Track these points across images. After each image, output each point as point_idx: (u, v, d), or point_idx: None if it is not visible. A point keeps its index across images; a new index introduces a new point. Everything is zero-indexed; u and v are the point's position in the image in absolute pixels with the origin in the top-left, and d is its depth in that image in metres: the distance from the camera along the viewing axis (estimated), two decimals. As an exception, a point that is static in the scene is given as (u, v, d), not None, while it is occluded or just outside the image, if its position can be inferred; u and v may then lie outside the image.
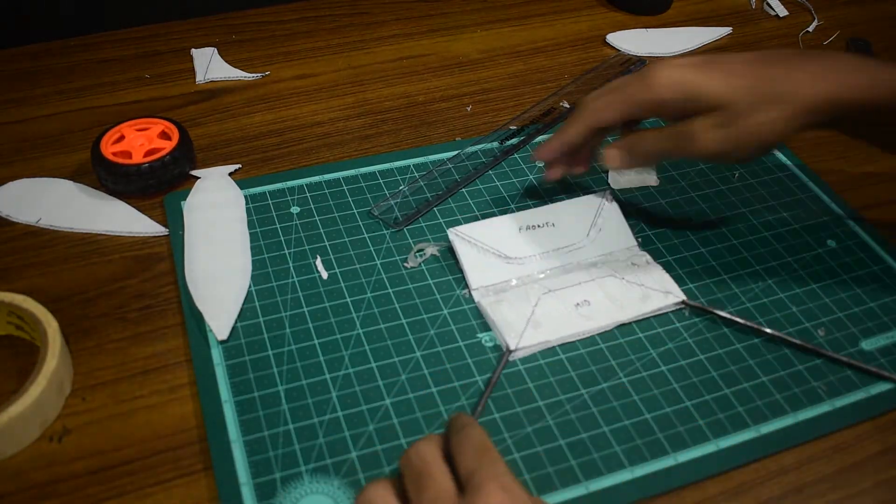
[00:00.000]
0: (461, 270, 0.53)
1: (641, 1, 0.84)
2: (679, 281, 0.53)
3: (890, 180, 0.64)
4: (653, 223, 0.58)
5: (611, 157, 0.52)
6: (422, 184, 0.60)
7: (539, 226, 0.55)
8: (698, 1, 0.88)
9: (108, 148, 0.59)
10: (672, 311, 0.52)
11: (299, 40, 0.78)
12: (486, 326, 0.50)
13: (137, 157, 0.58)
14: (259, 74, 0.73)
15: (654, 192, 0.61)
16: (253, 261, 0.54)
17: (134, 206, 0.58)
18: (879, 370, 0.48)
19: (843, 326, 0.52)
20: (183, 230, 0.55)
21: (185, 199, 0.58)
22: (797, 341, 0.50)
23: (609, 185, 0.61)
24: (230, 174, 0.61)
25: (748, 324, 0.50)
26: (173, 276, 0.53)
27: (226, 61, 0.74)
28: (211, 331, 0.49)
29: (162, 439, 0.44)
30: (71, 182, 0.60)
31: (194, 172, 0.60)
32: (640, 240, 0.56)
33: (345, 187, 0.60)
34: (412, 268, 0.54)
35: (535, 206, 0.59)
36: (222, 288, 0.51)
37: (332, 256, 0.55)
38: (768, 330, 0.50)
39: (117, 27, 0.77)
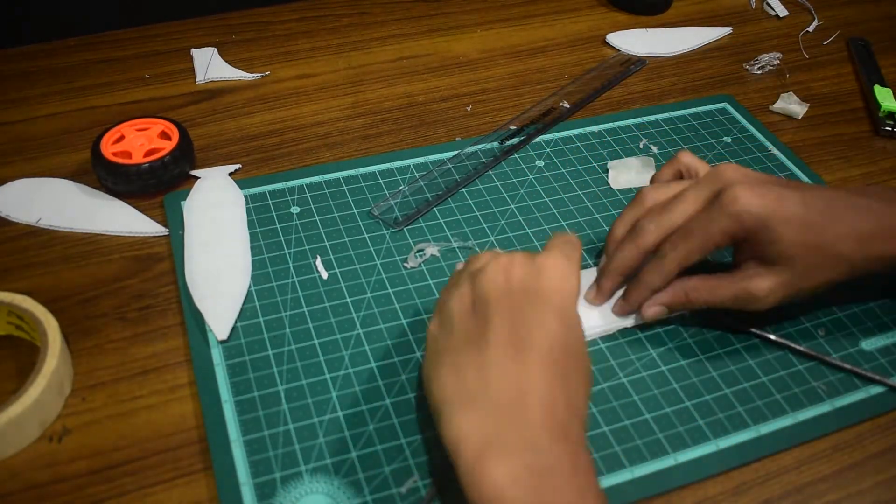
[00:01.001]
0: None
1: (641, 1, 0.84)
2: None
3: (890, 181, 0.64)
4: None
5: (654, 314, 0.49)
6: (422, 184, 0.60)
7: None
8: (698, 1, 0.88)
9: (108, 148, 0.59)
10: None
11: (299, 40, 0.78)
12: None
13: (137, 157, 0.58)
14: (259, 74, 0.73)
15: (654, 192, 0.61)
16: (253, 261, 0.54)
17: (134, 206, 0.58)
18: (872, 374, 0.48)
19: (843, 326, 0.52)
20: (183, 230, 0.55)
21: (185, 199, 0.58)
22: (801, 348, 0.50)
23: (609, 185, 0.61)
24: (230, 174, 0.61)
25: (752, 331, 0.50)
26: (173, 276, 0.53)
27: (226, 61, 0.74)
28: (211, 331, 0.49)
29: (162, 439, 0.44)
30: (71, 182, 0.60)
31: (194, 172, 0.60)
32: None
33: (345, 187, 0.60)
34: (412, 268, 0.54)
35: (536, 206, 0.59)
36: (222, 288, 0.51)
37: (332, 256, 0.55)
38: (772, 336, 0.50)
39: (117, 27, 0.77)
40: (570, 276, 0.41)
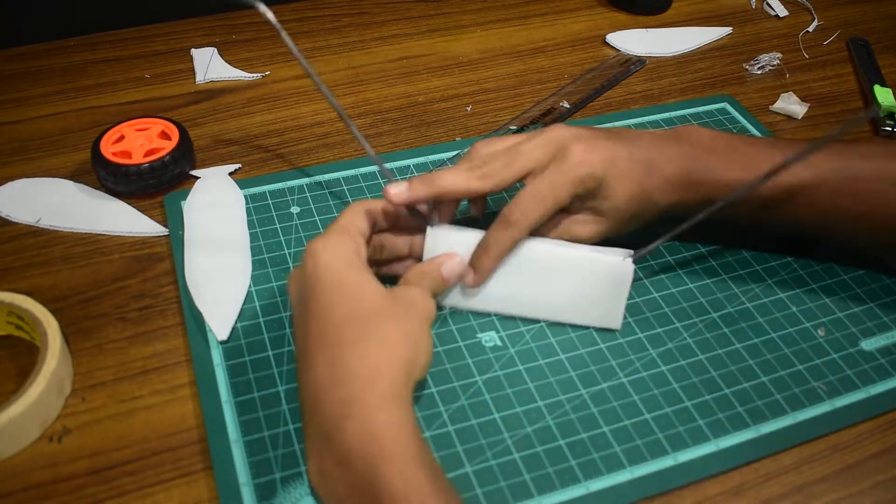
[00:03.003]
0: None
1: (641, 1, 0.84)
2: (679, 281, 0.54)
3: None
4: (652, 223, 0.58)
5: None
6: (422, 184, 0.60)
7: (529, 263, 0.49)
8: (698, 1, 0.88)
9: (108, 148, 0.59)
10: (672, 309, 0.52)
11: (299, 40, 0.78)
12: (486, 326, 0.50)
13: (137, 158, 0.58)
14: (259, 74, 0.73)
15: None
16: (253, 261, 0.54)
17: (134, 206, 0.58)
18: None
19: (843, 326, 0.52)
20: (183, 230, 0.55)
21: (185, 199, 0.58)
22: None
23: None
24: (230, 174, 0.61)
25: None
26: (173, 276, 0.53)
27: (226, 61, 0.74)
28: (211, 331, 0.49)
29: (162, 439, 0.44)
30: (71, 182, 0.60)
31: (194, 172, 0.60)
32: (626, 316, 0.51)
33: (345, 187, 0.60)
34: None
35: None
36: (222, 288, 0.51)
37: (332, 256, 0.54)
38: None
39: (117, 27, 0.77)
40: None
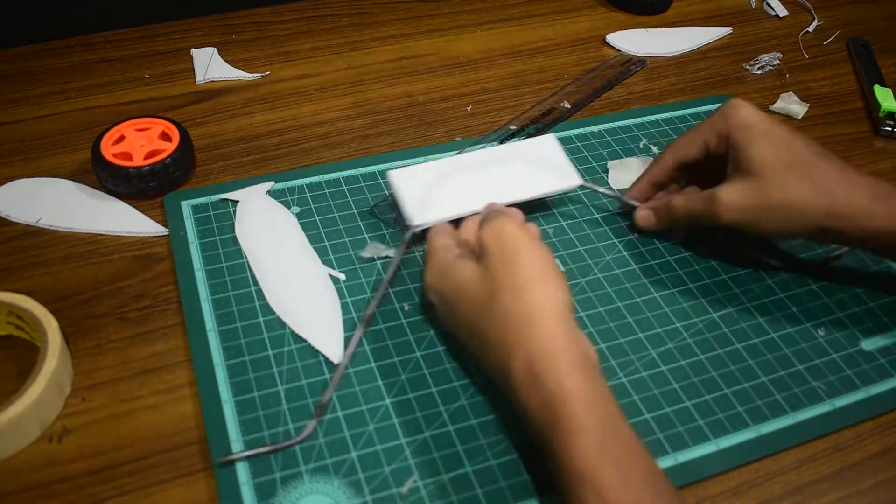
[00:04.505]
0: (399, 209, 0.54)
1: (641, 1, 0.84)
2: (679, 281, 0.54)
3: (890, 180, 0.64)
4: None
5: (643, 217, 0.56)
6: (422, 184, 0.60)
7: (481, 168, 0.56)
8: (698, 1, 0.88)
9: (109, 149, 0.58)
10: (671, 309, 0.52)
11: (299, 40, 0.78)
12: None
13: (138, 159, 0.58)
14: (259, 74, 0.73)
15: (654, 192, 0.61)
16: (253, 261, 0.54)
17: (134, 206, 0.58)
18: None
19: (843, 326, 0.52)
20: (184, 231, 0.55)
21: (185, 200, 0.58)
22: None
23: (609, 185, 0.61)
24: (267, 192, 0.59)
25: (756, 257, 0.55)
26: (173, 276, 0.53)
27: (226, 61, 0.74)
28: (212, 331, 0.49)
29: (162, 439, 0.44)
30: (71, 182, 0.60)
31: (231, 196, 0.58)
32: (587, 178, 0.59)
33: (345, 187, 0.60)
34: (367, 259, 0.54)
35: (536, 205, 0.59)
36: (316, 311, 0.50)
37: (332, 256, 0.55)
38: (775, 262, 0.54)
39: (117, 27, 0.77)
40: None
